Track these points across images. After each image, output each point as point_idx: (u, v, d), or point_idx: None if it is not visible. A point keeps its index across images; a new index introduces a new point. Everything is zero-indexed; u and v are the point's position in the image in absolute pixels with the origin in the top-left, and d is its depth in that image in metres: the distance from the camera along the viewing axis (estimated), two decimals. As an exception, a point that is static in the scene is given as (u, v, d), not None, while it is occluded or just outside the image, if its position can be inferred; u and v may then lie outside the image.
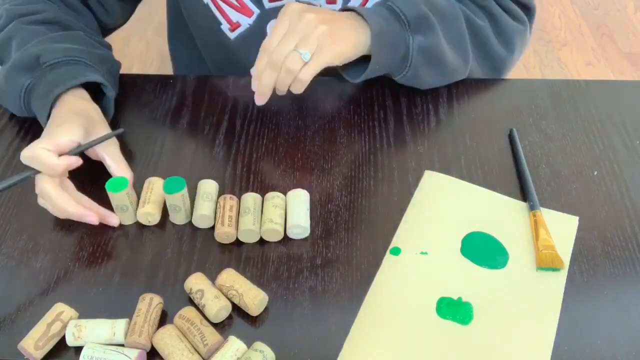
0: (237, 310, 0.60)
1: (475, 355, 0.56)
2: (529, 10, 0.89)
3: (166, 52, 1.13)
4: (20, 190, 0.70)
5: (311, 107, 0.82)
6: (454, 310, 0.60)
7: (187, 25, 0.95)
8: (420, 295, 0.61)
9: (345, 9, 0.77)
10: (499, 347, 0.57)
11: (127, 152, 0.74)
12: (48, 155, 0.63)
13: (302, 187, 0.70)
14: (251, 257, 0.65)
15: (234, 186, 0.72)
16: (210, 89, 0.86)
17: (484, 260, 0.64)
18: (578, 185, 0.72)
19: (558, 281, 0.62)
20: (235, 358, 0.54)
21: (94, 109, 0.73)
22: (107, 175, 0.69)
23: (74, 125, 0.67)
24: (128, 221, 0.68)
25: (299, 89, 0.73)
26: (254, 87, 0.75)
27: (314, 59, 0.70)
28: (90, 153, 0.71)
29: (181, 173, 0.68)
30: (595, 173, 0.74)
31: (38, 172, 0.64)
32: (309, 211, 0.67)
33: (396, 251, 0.65)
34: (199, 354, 0.55)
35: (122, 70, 0.84)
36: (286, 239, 0.66)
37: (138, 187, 0.69)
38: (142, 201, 0.67)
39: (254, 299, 0.58)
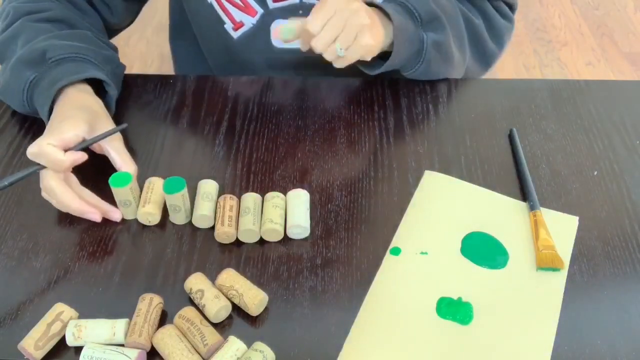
0: (237, 310, 0.60)
1: (475, 355, 0.56)
2: (512, 9, 0.94)
3: (166, 52, 1.13)
4: (21, 190, 0.70)
5: (311, 107, 0.82)
6: (454, 310, 0.60)
7: (189, 25, 0.96)
8: (420, 295, 0.61)
9: (368, 3, 0.78)
10: (499, 347, 0.57)
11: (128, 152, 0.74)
12: (54, 151, 0.64)
13: (302, 187, 0.70)
14: (251, 257, 0.65)
15: (234, 186, 0.72)
16: (211, 88, 0.86)
17: (484, 260, 0.64)
18: (578, 185, 0.72)
19: (558, 281, 0.62)
20: (235, 358, 0.54)
21: (97, 103, 0.73)
22: (111, 169, 0.69)
23: (78, 120, 0.68)
24: (130, 216, 0.68)
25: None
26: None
27: (349, 54, 0.73)
28: (95, 147, 0.71)
29: (181, 173, 0.68)
30: (595, 173, 0.74)
31: (44, 167, 0.65)
32: (309, 211, 0.67)
33: (396, 251, 0.65)
34: (199, 354, 0.55)
35: (122, 70, 0.85)
36: (286, 239, 0.66)
37: (139, 187, 0.69)
38: (143, 201, 0.67)
39: (254, 299, 0.58)
